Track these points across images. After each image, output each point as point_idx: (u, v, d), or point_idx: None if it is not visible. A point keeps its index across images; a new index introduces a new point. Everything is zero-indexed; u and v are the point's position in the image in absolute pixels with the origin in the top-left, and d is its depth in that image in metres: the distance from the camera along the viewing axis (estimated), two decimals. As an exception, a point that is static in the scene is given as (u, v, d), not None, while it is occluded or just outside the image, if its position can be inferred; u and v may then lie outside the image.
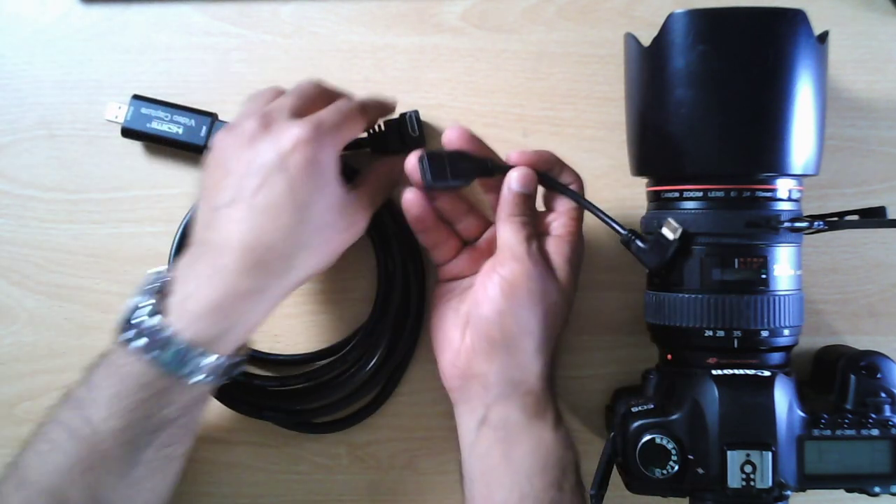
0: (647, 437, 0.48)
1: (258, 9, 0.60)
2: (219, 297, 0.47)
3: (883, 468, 0.48)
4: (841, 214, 0.53)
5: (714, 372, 0.48)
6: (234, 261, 0.47)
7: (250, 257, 0.47)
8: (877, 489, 0.49)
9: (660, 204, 0.51)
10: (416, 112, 0.57)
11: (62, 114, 0.60)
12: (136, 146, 0.59)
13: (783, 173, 0.49)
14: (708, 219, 0.49)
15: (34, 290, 0.60)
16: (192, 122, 0.58)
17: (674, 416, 0.48)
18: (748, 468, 0.47)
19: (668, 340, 0.52)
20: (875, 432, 0.48)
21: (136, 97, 0.58)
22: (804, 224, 0.49)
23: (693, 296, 0.49)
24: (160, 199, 0.59)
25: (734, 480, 0.47)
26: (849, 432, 0.48)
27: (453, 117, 0.59)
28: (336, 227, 0.50)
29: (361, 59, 0.59)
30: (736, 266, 0.49)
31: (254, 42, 0.60)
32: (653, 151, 0.52)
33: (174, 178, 0.59)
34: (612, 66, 0.58)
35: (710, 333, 0.49)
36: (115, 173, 0.60)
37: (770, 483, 0.47)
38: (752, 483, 0.47)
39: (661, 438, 0.48)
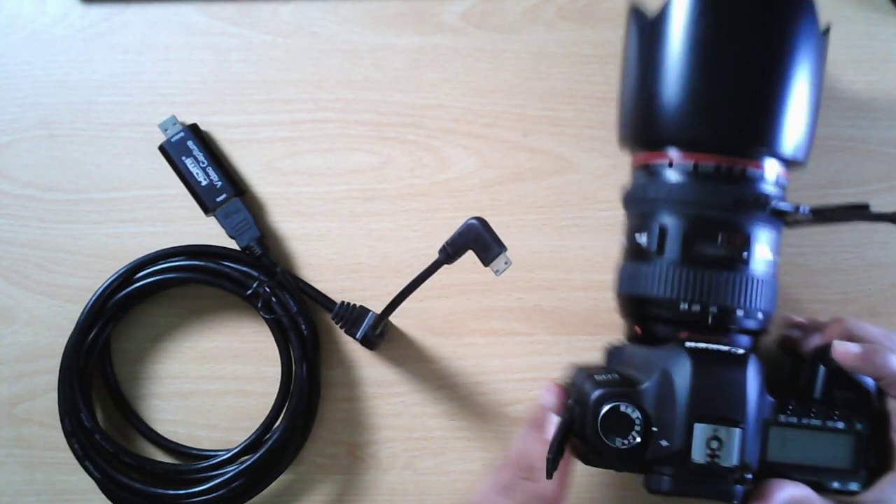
0: (610, 405, 0.46)
1: (258, 9, 0.60)
2: None
3: (844, 464, 0.47)
4: (827, 206, 0.52)
5: (688, 344, 0.47)
6: None
7: None
8: (835, 484, 0.48)
9: (648, 178, 0.50)
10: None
11: (62, 114, 0.60)
12: (135, 146, 0.59)
13: (773, 151, 0.48)
14: (696, 190, 0.48)
15: (34, 290, 0.60)
16: (219, 184, 0.57)
17: (642, 386, 0.47)
18: (714, 444, 0.45)
19: (640, 312, 0.51)
20: (840, 425, 0.48)
21: (194, 128, 0.58)
22: (788, 207, 0.48)
23: (672, 266, 0.48)
24: (160, 199, 0.59)
25: (699, 455, 0.45)
26: (814, 422, 0.47)
27: (453, 117, 0.59)
28: None
29: (361, 59, 0.59)
30: (719, 241, 0.48)
31: (254, 42, 0.60)
32: (646, 116, 0.50)
33: (174, 178, 0.59)
34: (612, 66, 0.58)
35: (686, 307, 0.48)
36: (115, 173, 0.60)
37: (735, 461, 0.45)
38: (716, 459, 0.45)
39: (626, 406, 0.46)
